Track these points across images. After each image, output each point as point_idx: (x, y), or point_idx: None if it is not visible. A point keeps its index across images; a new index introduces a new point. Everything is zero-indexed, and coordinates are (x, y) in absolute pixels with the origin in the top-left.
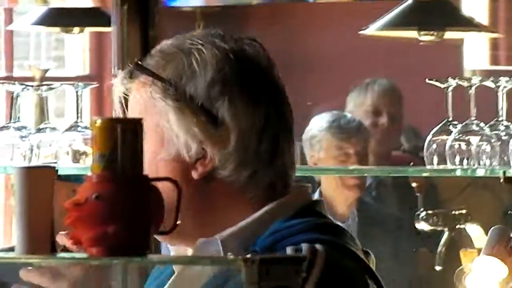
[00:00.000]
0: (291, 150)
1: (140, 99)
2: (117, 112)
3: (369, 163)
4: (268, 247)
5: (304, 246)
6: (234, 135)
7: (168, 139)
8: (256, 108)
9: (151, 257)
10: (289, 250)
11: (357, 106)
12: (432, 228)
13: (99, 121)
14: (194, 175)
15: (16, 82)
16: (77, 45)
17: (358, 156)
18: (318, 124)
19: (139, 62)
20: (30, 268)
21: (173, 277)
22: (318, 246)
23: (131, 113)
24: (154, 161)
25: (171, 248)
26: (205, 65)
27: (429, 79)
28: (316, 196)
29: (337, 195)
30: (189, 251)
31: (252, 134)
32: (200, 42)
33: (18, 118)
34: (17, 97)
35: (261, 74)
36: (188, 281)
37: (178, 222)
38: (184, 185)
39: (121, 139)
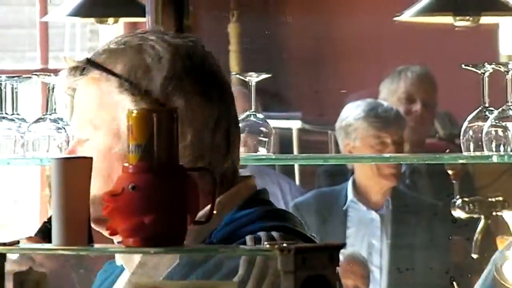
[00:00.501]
0: (238, 145)
1: (93, 94)
2: (64, 108)
3: (404, 151)
4: (225, 238)
5: (262, 234)
6: (190, 129)
7: (124, 133)
8: (209, 104)
9: (187, 247)
10: (248, 240)
11: (391, 93)
12: (468, 215)
13: (135, 111)
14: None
15: (52, 74)
16: (112, 36)
17: (395, 145)
18: (354, 113)
19: (90, 59)
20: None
21: (134, 268)
22: (274, 234)
23: (79, 109)
24: (109, 155)
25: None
26: (159, 60)
27: (465, 65)
28: (349, 184)
29: (372, 184)
30: (136, 257)
31: (207, 128)
32: (151, 38)
33: (54, 109)
34: (53, 88)
35: (211, 71)
36: (151, 270)
37: (214, 212)
38: None
39: (157, 129)
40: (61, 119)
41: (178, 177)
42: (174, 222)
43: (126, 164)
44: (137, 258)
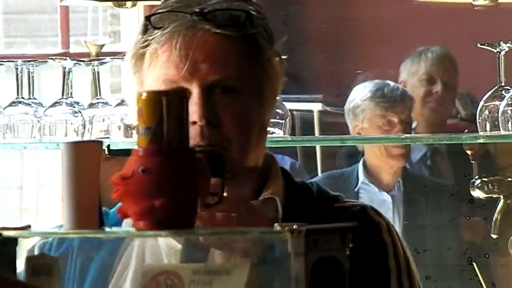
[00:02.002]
0: None
1: (250, 49)
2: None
3: (422, 131)
4: (324, 208)
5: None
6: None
7: (267, 92)
8: None
9: (200, 230)
10: (369, 210)
11: (411, 74)
12: (487, 195)
13: (144, 94)
14: (266, 129)
15: (68, 58)
16: (133, 20)
17: (402, 124)
18: (361, 94)
19: (251, 13)
20: None
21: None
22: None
23: (222, 60)
24: (255, 109)
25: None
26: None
27: (480, 44)
28: (360, 165)
29: (382, 165)
30: None
31: None
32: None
33: (71, 94)
34: (69, 72)
35: None
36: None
37: (224, 194)
38: (265, 138)
39: (167, 111)
40: (78, 103)
41: (188, 160)
42: (184, 205)
43: (136, 147)
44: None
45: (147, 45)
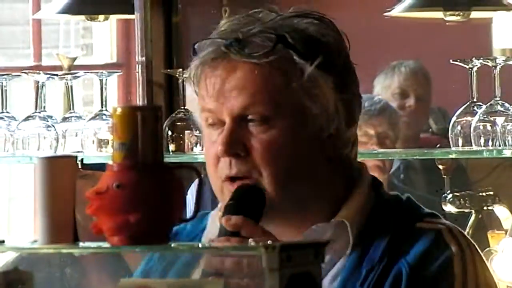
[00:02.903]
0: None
1: (283, 73)
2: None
3: (397, 145)
4: (397, 228)
5: (444, 225)
6: (357, 113)
7: (312, 114)
8: (360, 95)
9: (173, 245)
10: (445, 232)
11: (384, 88)
12: (459, 210)
13: (119, 109)
14: (327, 151)
15: (41, 72)
16: (105, 33)
17: (378, 137)
18: (373, 106)
19: (284, 37)
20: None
21: None
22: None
23: (250, 88)
24: (292, 138)
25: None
26: (339, 46)
27: (453, 60)
28: None
29: None
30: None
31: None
32: (325, 21)
33: (44, 107)
34: (42, 86)
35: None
36: None
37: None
38: (315, 163)
39: (141, 127)
40: (51, 117)
41: (162, 175)
42: (159, 220)
43: (110, 162)
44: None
45: (189, 72)
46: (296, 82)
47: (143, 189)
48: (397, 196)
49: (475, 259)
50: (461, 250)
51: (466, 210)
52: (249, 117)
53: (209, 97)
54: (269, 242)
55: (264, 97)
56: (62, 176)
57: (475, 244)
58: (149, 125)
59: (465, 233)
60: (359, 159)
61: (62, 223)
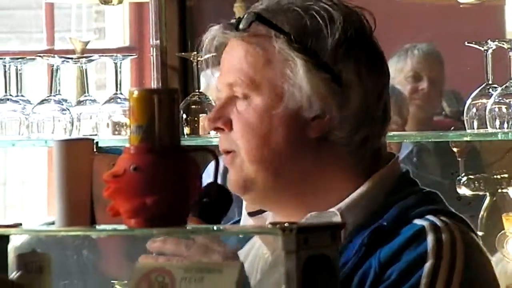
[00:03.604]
0: (390, 120)
1: (260, 50)
2: (206, 68)
3: (409, 128)
4: (394, 222)
5: (439, 222)
6: (357, 98)
7: (289, 93)
8: (378, 74)
9: (190, 228)
10: (428, 228)
11: (397, 71)
12: (473, 193)
13: (136, 92)
14: (310, 133)
15: (56, 55)
16: (118, 17)
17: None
18: None
19: (259, 13)
20: (158, 239)
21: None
22: (449, 222)
23: (235, 66)
24: (268, 116)
25: (248, 222)
26: (331, 23)
27: (468, 42)
28: None
29: None
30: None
31: (372, 99)
32: (322, 1)
33: (59, 91)
34: (57, 70)
35: (376, 42)
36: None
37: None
38: (296, 144)
39: (158, 109)
40: (65, 100)
41: (179, 158)
42: (176, 203)
43: (127, 145)
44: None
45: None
46: (272, 59)
47: (160, 171)
48: (418, 192)
49: (457, 257)
50: (438, 249)
51: (481, 193)
52: (235, 94)
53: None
54: (286, 224)
55: (244, 74)
56: (79, 159)
57: (474, 244)
58: (166, 107)
59: (467, 232)
60: None
61: (79, 205)
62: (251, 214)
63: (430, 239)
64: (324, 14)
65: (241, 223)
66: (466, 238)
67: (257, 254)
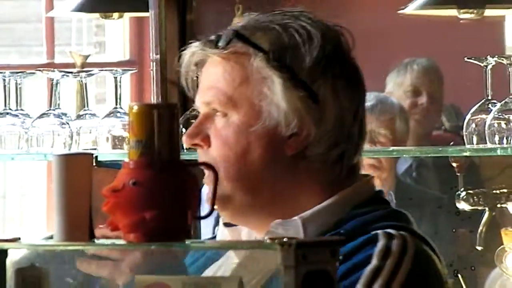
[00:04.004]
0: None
1: (238, 68)
2: (186, 85)
3: (408, 143)
4: (352, 231)
5: (393, 231)
6: (333, 114)
7: (266, 111)
8: (354, 90)
9: (189, 243)
10: (381, 235)
11: (397, 86)
12: (473, 207)
13: (135, 107)
14: (287, 151)
15: (56, 69)
16: (118, 31)
17: (370, 135)
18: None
19: (238, 31)
20: (87, 258)
21: (235, 266)
22: (403, 233)
23: (214, 83)
24: (245, 133)
25: (224, 234)
26: (310, 40)
27: (468, 58)
28: None
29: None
30: (244, 234)
31: (349, 116)
32: (301, 18)
33: (58, 105)
34: (57, 84)
35: (353, 58)
36: (261, 263)
37: (215, 207)
38: (273, 161)
39: (158, 124)
40: (65, 114)
41: (179, 173)
42: (175, 217)
43: (126, 160)
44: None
45: None
46: (250, 77)
47: (159, 186)
48: (385, 209)
49: (403, 264)
50: (385, 252)
51: (480, 208)
52: (213, 111)
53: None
54: (285, 239)
55: (221, 92)
56: (78, 173)
57: (428, 259)
58: (166, 122)
59: (424, 248)
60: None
61: (78, 220)
62: (226, 225)
63: (380, 243)
64: (302, 31)
65: (218, 234)
66: (420, 250)
67: (225, 262)
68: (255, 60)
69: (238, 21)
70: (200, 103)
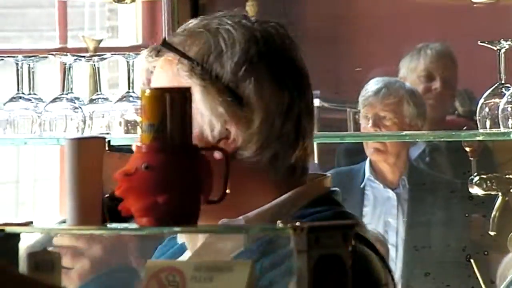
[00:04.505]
0: (312, 134)
1: (166, 76)
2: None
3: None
4: None
5: None
6: (259, 116)
7: (194, 117)
8: (281, 90)
9: (200, 227)
10: None
11: (410, 71)
12: (485, 192)
13: (148, 91)
14: (216, 155)
15: (68, 54)
16: (130, 15)
17: (374, 119)
18: (372, 88)
19: (166, 40)
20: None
21: (196, 249)
22: None
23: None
24: None
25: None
26: (233, 45)
27: (481, 42)
28: (367, 162)
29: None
30: (200, 237)
31: (276, 116)
32: (228, 22)
33: (71, 89)
34: (70, 68)
35: (286, 57)
36: (213, 253)
37: (227, 191)
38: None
39: (170, 108)
40: (78, 99)
41: (191, 157)
42: (187, 202)
43: (139, 144)
44: (201, 239)
45: None
46: (176, 84)
47: (172, 170)
48: (332, 210)
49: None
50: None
51: (493, 193)
52: None
53: None
54: (297, 223)
55: None
56: (90, 157)
57: (365, 256)
58: (178, 106)
59: (361, 247)
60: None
61: (90, 204)
62: None
63: None
64: (227, 36)
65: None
66: (359, 251)
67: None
68: (180, 67)
69: (249, 3)
70: None
